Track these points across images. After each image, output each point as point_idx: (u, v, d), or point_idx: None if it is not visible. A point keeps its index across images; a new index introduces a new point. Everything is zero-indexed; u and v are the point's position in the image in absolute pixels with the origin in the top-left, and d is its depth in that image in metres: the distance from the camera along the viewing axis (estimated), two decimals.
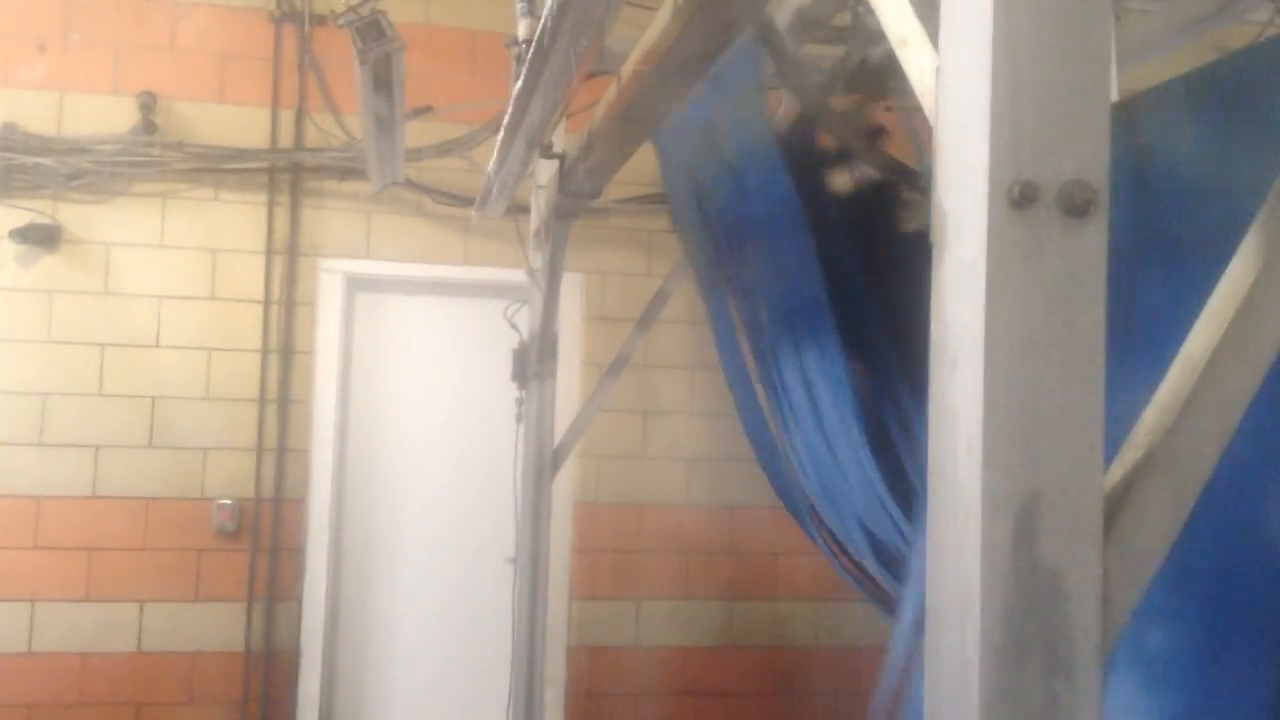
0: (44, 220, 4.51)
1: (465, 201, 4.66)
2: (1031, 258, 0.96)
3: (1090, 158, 0.98)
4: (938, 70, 1.08)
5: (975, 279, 0.98)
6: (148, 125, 4.60)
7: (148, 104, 4.60)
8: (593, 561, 4.89)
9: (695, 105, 2.89)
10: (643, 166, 3.47)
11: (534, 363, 4.01)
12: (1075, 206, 0.96)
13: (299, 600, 4.65)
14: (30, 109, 4.58)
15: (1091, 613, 0.98)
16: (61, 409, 4.51)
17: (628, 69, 2.43)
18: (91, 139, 4.58)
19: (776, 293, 2.78)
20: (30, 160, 4.50)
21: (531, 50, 2.04)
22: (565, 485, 4.71)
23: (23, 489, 4.46)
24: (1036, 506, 0.96)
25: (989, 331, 0.96)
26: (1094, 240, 0.97)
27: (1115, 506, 1.00)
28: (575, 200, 3.42)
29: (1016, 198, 0.96)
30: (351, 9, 2.36)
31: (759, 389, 3.18)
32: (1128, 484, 1.02)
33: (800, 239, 2.49)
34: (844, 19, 2.99)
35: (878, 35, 2.74)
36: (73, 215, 4.57)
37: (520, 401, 4.15)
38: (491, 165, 3.22)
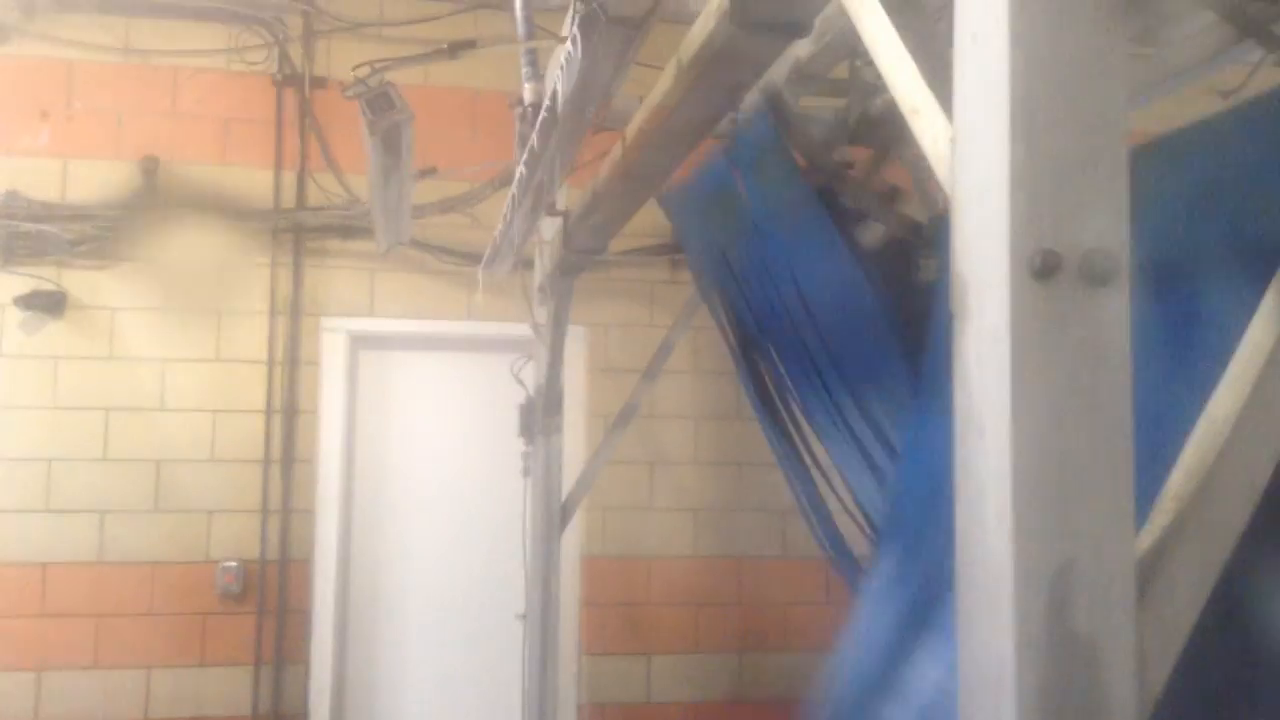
0: (48, 287, 4.52)
1: (468, 258, 4.68)
2: (1055, 327, 0.97)
3: (1110, 226, 0.98)
4: (952, 140, 1.09)
5: (999, 349, 0.98)
6: (151, 189, 4.63)
7: (151, 168, 4.63)
8: (602, 616, 4.86)
9: (709, 174, 2.92)
10: (645, 219, 3.49)
11: (540, 417, 4.01)
12: (1097, 275, 0.97)
13: (306, 663, 4.60)
14: (34, 176, 4.61)
15: (1127, 682, 0.98)
16: (67, 474, 4.50)
17: (632, 129, 2.45)
18: (95, 204, 4.61)
19: (816, 345, 2.80)
20: (34, 227, 4.52)
21: (540, 117, 2.07)
22: (573, 539, 4.68)
23: (29, 556, 4.44)
24: (1069, 575, 0.96)
25: (1015, 400, 0.96)
26: (1117, 309, 0.97)
27: (1147, 574, 1.00)
28: (579, 256, 3.44)
29: (1038, 268, 0.96)
30: (361, 80, 2.39)
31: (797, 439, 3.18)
32: (1158, 550, 1.02)
33: (841, 294, 2.53)
34: (841, 71, 3.01)
35: (876, 87, 2.77)
36: (77, 281, 4.58)
37: (527, 456, 4.15)
38: (499, 227, 3.24)
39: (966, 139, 1.07)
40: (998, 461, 0.97)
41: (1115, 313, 0.98)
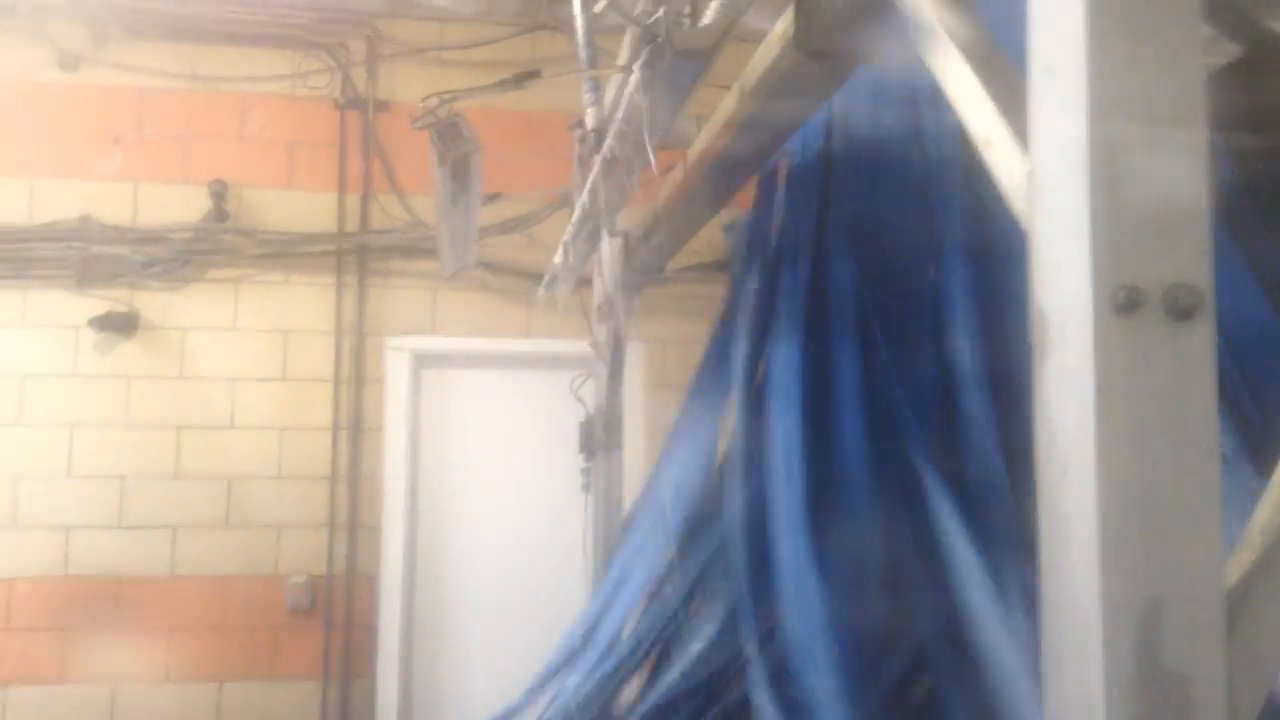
0: (121, 308, 4.64)
1: (528, 276, 4.71)
2: (1139, 362, 0.96)
3: (1193, 259, 0.98)
4: (1029, 174, 1.09)
5: (1082, 384, 0.97)
6: (219, 212, 4.73)
7: (219, 192, 4.74)
8: None
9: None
10: (704, 236, 3.49)
11: (600, 434, 4.02)
12: (1181, 309, 0.96)
13: (373, 677, 4.66)
14: (106, 200, 4.73)
15: (1218, 717, 0.97)
16: (140, 491, 4.60)
17: (694, 152, 2.46)
18: (165, 228, 4.72)
19: None
20: (107, 250, 4.64)
21: (605, 146, 2.09)
22: None
23: (103, 570, 4.54)
24: (1158, 612, 0.95)
25: (1100, 437, 0.96)
26: (1202, 342, 0.97)
27: (1236, 609, 0.99)
28: (639, 276, 3.46)
29: (1121, 302, 0.96)
30: (430, 111, 2.44)
31: None
32: (1246, 585, 1.01)
33: None
34: None
35: None
36: (148, 302, 4.69)
37: (587, 472, 4.17)
38: (559, 248, 3.26)
39: (1044, 173, 1.06)
40: (1082, 499, 0.97)
41: (1200, 346, 0.97)
